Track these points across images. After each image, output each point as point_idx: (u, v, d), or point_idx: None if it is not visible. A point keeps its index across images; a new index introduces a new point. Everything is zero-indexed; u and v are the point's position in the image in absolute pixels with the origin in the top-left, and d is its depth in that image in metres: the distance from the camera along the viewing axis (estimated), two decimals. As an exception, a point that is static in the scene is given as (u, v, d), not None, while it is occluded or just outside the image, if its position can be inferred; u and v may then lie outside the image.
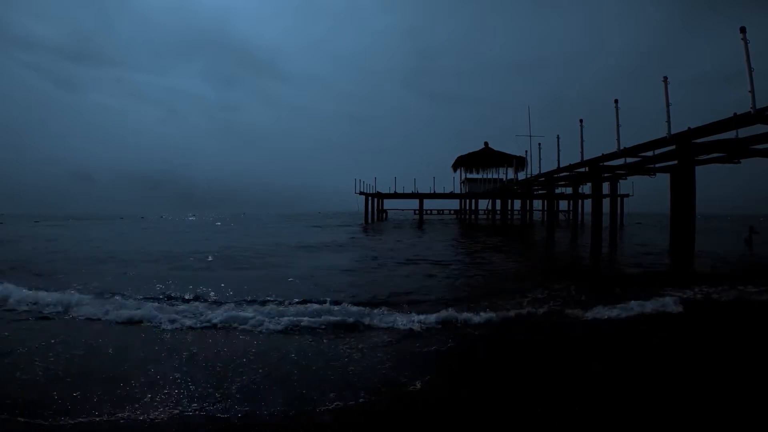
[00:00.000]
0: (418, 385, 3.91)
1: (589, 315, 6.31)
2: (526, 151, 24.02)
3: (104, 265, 12.27)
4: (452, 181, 43.41)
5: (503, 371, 4.42)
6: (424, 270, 11.21)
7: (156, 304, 6.76)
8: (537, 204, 35.68)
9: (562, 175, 17.92)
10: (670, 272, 10.77)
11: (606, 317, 6.24)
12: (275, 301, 7.02)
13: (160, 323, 5.93)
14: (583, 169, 15.99)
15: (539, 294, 7.56)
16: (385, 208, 50.75)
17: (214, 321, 5.94)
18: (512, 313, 6.38)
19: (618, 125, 11.87)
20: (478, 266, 12.39)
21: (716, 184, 20.84)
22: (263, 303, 6.90)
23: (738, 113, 8.09)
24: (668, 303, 6.79)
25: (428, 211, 51.13)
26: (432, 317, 6.01)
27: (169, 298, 7.37)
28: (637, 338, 5.51)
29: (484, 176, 40.78)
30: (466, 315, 6.11)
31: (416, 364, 4.46)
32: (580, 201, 28.04)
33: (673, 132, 9.78)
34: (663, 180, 14.38)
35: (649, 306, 6.60)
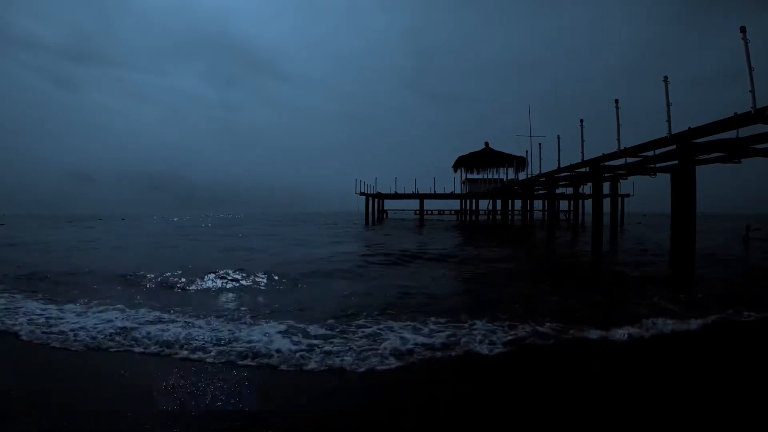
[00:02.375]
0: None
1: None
2: (527, 151, 24.04)
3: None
4: (453, 181, 43.29)
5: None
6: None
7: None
8: (537, 204, 35.68)
9: (562, 175, 17.92)
10: (671, 275, 10.76)
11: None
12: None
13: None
14: (583, 169, 15.99)
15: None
16: (385, 208, 50.74)
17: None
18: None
19: (618, 125, 11.88)
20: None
21: (716, 184, 20.83)
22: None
23: (738, 113, 8.09)
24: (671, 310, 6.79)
25: (429, 212, 51.08)
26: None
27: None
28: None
29: (485, 176, 40.64)
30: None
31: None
32: (580, 201, 28.03)
33: (673, 132, 9.77)
34: (664, 180, 14.39)
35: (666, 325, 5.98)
